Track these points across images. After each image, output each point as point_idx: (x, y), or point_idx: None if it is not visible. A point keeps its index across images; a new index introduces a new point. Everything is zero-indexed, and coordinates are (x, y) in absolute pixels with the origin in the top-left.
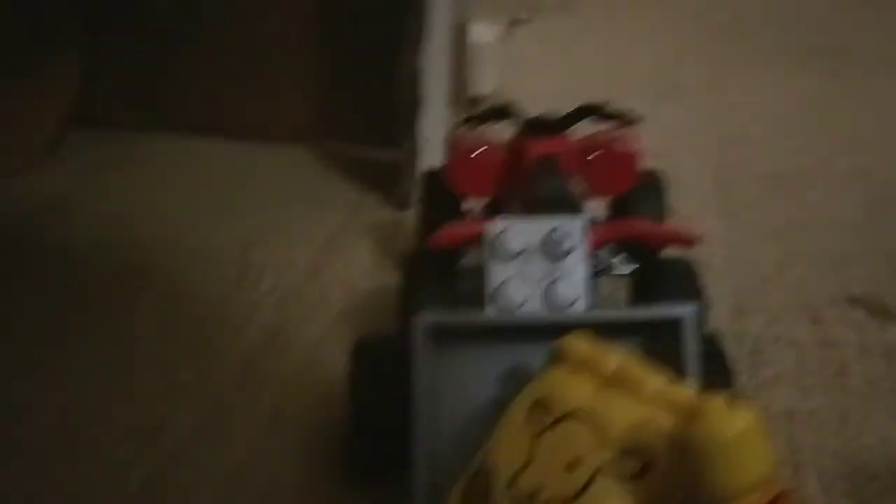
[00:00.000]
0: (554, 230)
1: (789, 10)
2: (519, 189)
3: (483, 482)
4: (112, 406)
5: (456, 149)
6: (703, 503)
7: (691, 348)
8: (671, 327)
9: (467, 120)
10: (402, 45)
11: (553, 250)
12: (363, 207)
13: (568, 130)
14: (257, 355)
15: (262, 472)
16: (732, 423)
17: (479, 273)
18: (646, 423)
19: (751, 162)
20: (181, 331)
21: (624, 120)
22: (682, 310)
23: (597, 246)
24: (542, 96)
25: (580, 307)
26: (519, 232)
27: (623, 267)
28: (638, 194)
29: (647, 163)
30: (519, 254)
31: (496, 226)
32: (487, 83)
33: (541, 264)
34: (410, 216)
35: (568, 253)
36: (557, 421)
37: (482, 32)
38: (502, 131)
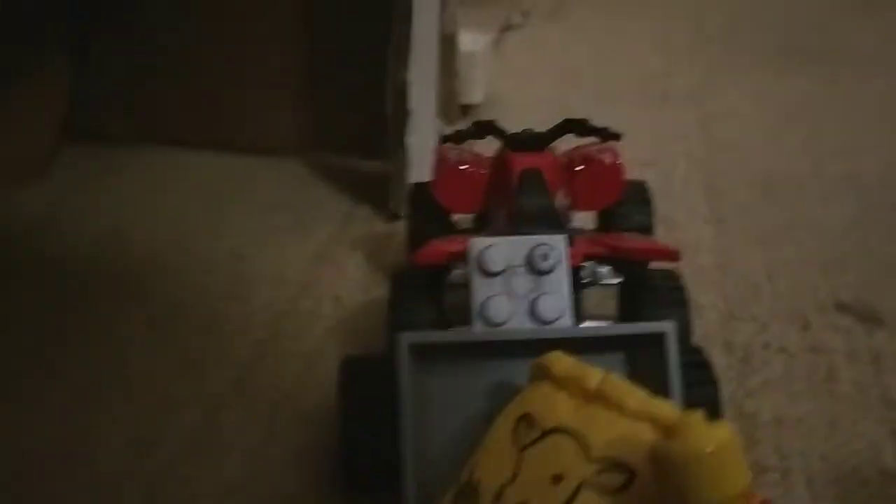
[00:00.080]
0: (537, 246)
1: (780, 15)
2: (504, 203)
3: (470, 496)
4: (108, 420)
5: (441, 164)
6: None
7: (674, 362)
8: (655, 341)
9: (452, 136)
10: (390, 57)
11: (537, 266)
12: (354, 219)
13: (551, 146)
14: (250, 369)
15: (257, 485)
16: (710, 439)
17: (465, 288)
18: (628, 437)
19: (741, 168)
20: (174, 345)
21: (606, 135)
22: (665, 325)
23: (581, 260)
24: (532, 103)
25: (565, 322)
26: (503, 248)
27: (610, 278)
28: (624, 207)
29: (634, 173)
30: (503, 270)
31: (480, 242)
32: (478, 92)
33: (525, 280)
34: (401, 227)
35: (551, 269)
36: (542, 435)
37: (472, 41)
38: (487, 147)
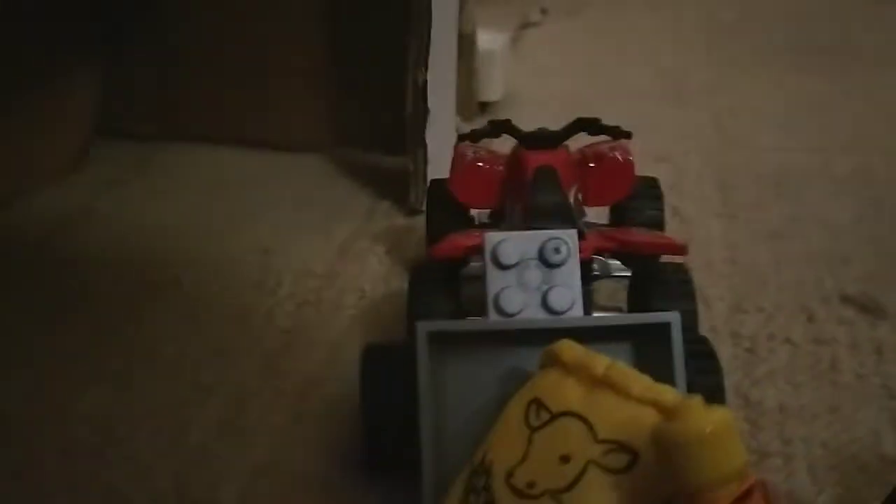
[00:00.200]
0: (549, 240)
1: (793, 11)
2: (519, 199)
3: (483, 476)
4: (141, 406)
5: (459, 162)
6: (682, 493)
7: (678, 351)
8: (660, 331)
9: (469, 135)
10: (409, 57)
11: (549, 260)
12: (376, 214)
13: (564, 143)
14: (277, 357)
15: (284, 468)
16: (708, 421)
17: (481, 280)
18: (632, 420)
19: (752, 163)
20: (203, 335)
21: (617, 133)
22: (670, 315)
23: (592, 254)
24: (550, 100)
25: (575, 313)
26: (516, 242)
27: (620, 271)
28: (635, 202)
29: (648, 168)
30: (517, 263)
31: (495, 237)
32: (496, 89)
33: (537, 273)
34: (421, 222)
35: (563, 262)
36: (552, 419)
37: (490, 40)
38: (502, 145)
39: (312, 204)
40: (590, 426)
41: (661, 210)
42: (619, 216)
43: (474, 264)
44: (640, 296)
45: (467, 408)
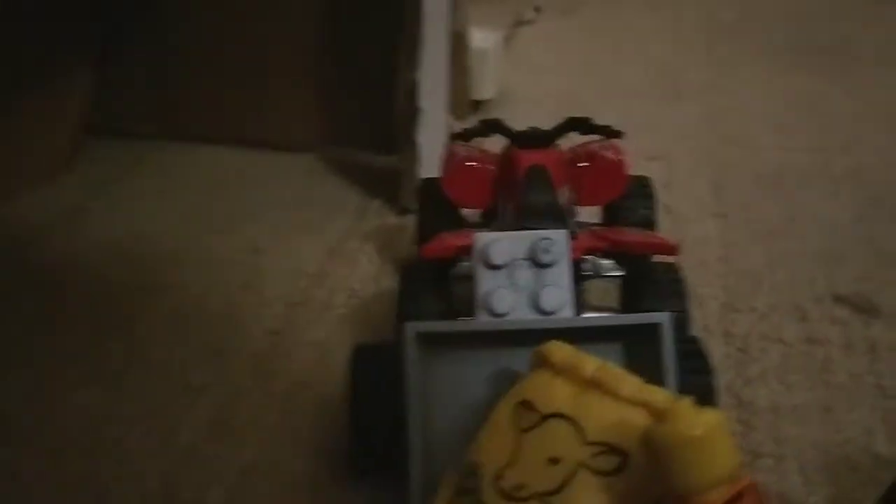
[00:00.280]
0: (540, 241)
1: (791, 11)
2: (511, 199)
3: (471, 478)
4: (129, 406)
5: (450, 161)
6: (673, 496)
7: (669, 351)
8: (651, 331)
9: (461, 134)
10: (400, 56)
11: (539, 260)
12: (367, 213)
13: (556, 143)
14: (266, 357)
15: (272, 467)
16: (699, 423)
17: (471, 280)
18: (622, 422)
19: (747, 162)
20: (193, 334)
21: (609, 132)
22: (660, 316)
23: (583, 254)
24: (544, 98)
25: (565, 314)
26: (507, 242)
27: (613, 270)
28: (627, 202)
29: (643, 167)
30: (507, 263)
31: (485, 237)
32: (489, 88)
33: (528, 273)
34: (412, 221)
35: (553, 262)
36: (541, 420)
37: (483, 38)
38: (494, 144)
39: (303, 203)
40: (579, 428)
41: (654, 209)
42: (612, 216)
43: (465, 264)
44: (631, 296)
45: (456, 408)
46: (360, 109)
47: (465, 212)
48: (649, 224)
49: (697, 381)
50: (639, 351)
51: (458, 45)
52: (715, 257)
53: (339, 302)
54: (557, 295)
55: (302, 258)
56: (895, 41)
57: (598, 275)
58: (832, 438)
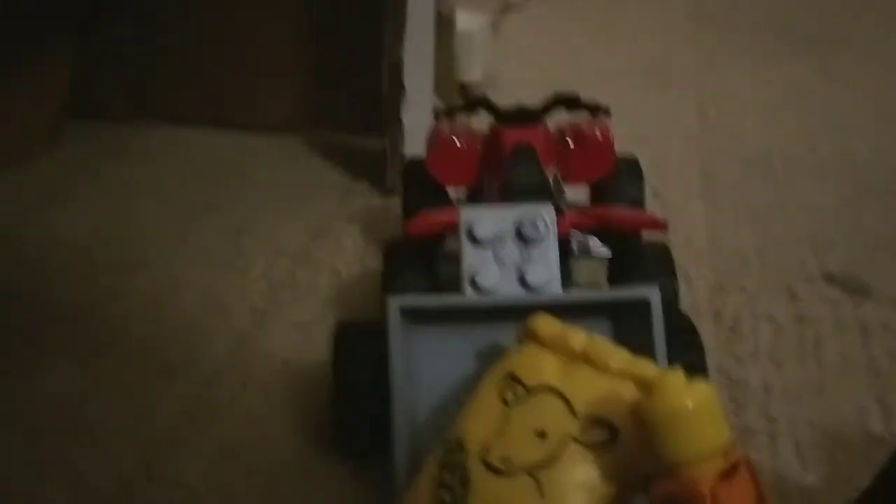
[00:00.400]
0: (527, 216)
1: None
2: (497, 177)
3: (457, 453)
4: (107, 387)
5: (435, 139)
6: (664, 469)
7: (658, 326)
8: (640, 307)
9: (445, 111)
10: (385, 34)
11: (526, 235)
12: (352, 194)
13: (543, 120)
14: (248, 337)
15: (253, 449)
16: (689, 395)
17: (457, 259)
18: (611, 395)
19: (736, 148)
20: (174, 315)
21: (596, 109)
22: (649, 291)
23: (572, 231)
24: (532, 83)
25: (552, 289)
26: (492, 218)
27: (602, 249)
28: (615, 181)
29: (627, 149)
30: (493, 239)
31: (470, 212)
32: (476, 70)
33: (514, 248)
34: (398, 202)
35: (540, 238)
36: (528, 394)
37: (468, 20)
38: (480, 122)
39: (288, 184)
40: (567, 401)
41: (642, 189)
42: (599, 195)
43: (450, 240)
44: (620, 273)
45: (442, 385)
46: (345, 90)
47: (452, 191)
48: (637, 203)
49: (687, 357)
50: (627, 327)
51: (445, 25)
52: (703, 239)
53: (323, 283)
54: (544, 270)
55: (286, 239)
56: (883, 29)
57: (585, 251)
58: (825, 417)
